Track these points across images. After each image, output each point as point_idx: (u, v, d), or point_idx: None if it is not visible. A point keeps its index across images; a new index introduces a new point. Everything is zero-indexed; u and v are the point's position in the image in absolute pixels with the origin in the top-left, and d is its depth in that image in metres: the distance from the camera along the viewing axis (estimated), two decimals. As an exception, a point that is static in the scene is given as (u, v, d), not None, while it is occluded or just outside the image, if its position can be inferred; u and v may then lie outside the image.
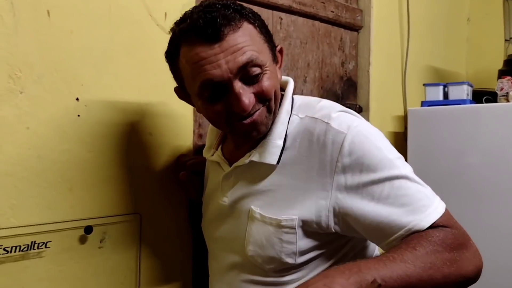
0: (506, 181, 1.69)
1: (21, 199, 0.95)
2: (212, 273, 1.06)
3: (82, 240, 1.03)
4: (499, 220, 1.69)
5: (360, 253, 0.96)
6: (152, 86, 1.15)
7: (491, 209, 1.71)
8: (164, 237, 1.20)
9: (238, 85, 0.82)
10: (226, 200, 0.98)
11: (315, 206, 0.85)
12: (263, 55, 0.85)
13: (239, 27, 0.82)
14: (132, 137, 1.12)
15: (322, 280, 0.69)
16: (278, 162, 0.89)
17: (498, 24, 2.42)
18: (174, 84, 1.18)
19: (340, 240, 0.91)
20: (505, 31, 2.25)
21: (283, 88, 0.97)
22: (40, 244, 0.97)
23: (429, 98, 1.98)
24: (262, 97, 0.86)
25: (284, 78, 0.99)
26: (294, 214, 0.86)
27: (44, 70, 0.97)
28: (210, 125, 1.06)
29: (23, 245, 0.95)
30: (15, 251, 0.93)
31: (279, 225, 0.87)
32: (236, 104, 0.82)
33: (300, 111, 0.93)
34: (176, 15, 1.18)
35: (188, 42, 0.83)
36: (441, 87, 1.96)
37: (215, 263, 1.04)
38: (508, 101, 1.81)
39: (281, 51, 0.94)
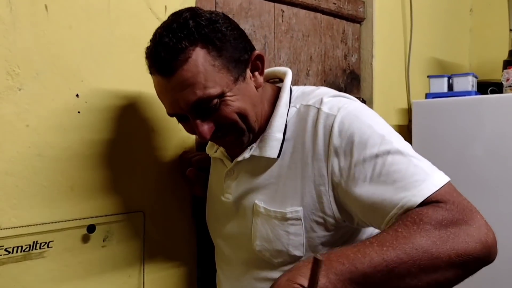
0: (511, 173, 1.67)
1: (22, 198, 0.93)
2: (221, 269, 1.05)
3: (85, 239, 1.02)
4: (504, 212, 1.67)
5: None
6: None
7: (496, 202, 1.69)
8: (168, 235, 1.18)
9: (193, 117, 0.83)
10: (230, 197, 0.97)
11: (316, 193, 0.84)
12: (218, 84, 0.81)
13: (188, 58, 0.78)
14: (133, 133, 1.10)
15: (286, 275, 0.65)
16: (279, 156, 0.89)
17: (502, 14, 2.38)
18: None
19: (347, 230, 0.89)
20: (509, 21, 2.21)
21: (282, 79, 0.96)
22: (42, 244, 0.95)
23: (434, 90, 1.96)
24: (223, 125, 0.85)
25: (282, 69, 0.98)
26: (297, 205, 0.86)
27: (43, 66, 0.95)
28: None
29: (25, 245, 0.93)
30: (16, 252, 0.92)
31: (284, 218, 0.87)
32: (196, 132, 0.85)
33: (298, 101, 0.92)
34: (176, 8, 1.16)
35: (150, 70, 0.85)
36: (445, 79, 1.94)
37: (223, 261, 1.03)
38: (514, 91, 1.79)
39: (259, 57, 0.89)
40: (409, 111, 2.05)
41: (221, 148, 1.01)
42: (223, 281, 1.03)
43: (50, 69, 0.96)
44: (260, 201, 0.90)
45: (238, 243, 0.96)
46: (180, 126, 1.18)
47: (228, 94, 0.82)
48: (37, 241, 0.94)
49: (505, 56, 2.09)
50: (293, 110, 0.91)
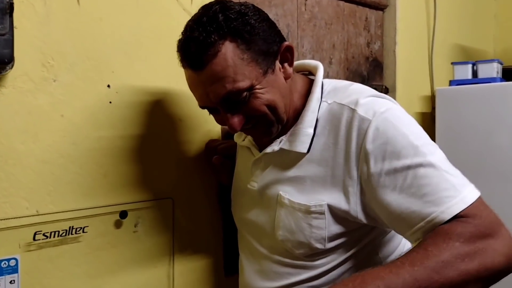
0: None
1: (58, 185, 0.97)
2: (244, 254, 1.07)
3: (118, 224, 1.05)
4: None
5: (387, 240, 0.96)
6: (181, 72, 1.13)
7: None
8: (196, 221, 1.21)
9: (224, 110, 0.85)
10: (256, 185, 0.99)
11: (344, 193, 0.85)
12: (247, 77, 0.82)
13: (217, 52, 0.80)
14: (162, 122, 1.13)
15: None
16: (308, 151, 0.89)
17: (528, -1, 2.34)
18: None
19: (368, 226, 0.90)
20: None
21: (313, 73, 0.97)
22: (78, 229, 0.99)
23: (458, 77, 1.94)
24: (253, 116, 0.86)
25: (313, 63, 0.98)
26: (323, 200, 0.87)
27: (76, 58, 0.98)
28: None
29: (62, 230, 0.97)
30: (54, 236, 0.96)
31: (308, 211, 0.88)
32: (227, 124, 0.87)
33: (329, 97, 0.91)
34: (201, 0, 1.18)
35: (182, 63, 0.87)
36: (470, 66, 1.92)
37: (246, 246, 1.06)
38: (540, 78, 1.76)
39: (288, 48, 0.89)
40: (432, 99, 2.04)
41: (249, 137, 1.02)
42: (245, 265, 1.05)
43: (82, 61, 0.99)
44: (285, 192, 0.92)
45: (261, 231, 0.98)
46: (207, 116, 1.21)
47: (257, 86, 0.84)
48: (73, 226, 0.98)
49: (531, 42, 2.06)
50: (324, 105, 0.91)
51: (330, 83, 0.95)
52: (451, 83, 1.94)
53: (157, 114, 1.12)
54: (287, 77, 0.90)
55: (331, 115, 0.89)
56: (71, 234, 0.98)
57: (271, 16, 1.43)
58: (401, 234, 0.83)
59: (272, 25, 0.88)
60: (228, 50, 0.80)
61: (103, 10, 1.02)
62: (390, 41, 1.87)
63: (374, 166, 0.80)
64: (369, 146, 0.81)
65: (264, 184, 0.97)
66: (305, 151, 0.89)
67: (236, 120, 0.86)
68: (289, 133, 0.93)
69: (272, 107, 0.87)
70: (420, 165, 0.77)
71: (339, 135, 0.86)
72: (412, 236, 0.78)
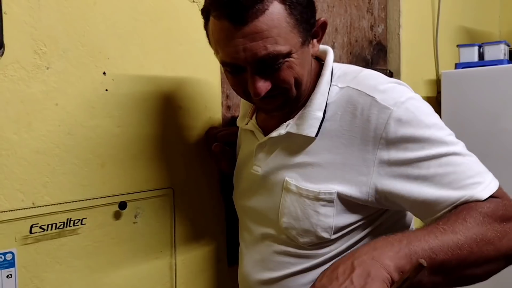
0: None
1: (54, 176, 0.94)
2: (244, 243, 1.04)
3: (117, 216, 1.03)
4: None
5: (396, 223, 0.93)
6: (178, 57, 1.12)
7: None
8: (197, 211, 1.18)
9: (253, 71, 0.80)
10: (259, 170, 0.95)
11: (355, 182, 0.82)
12: (288, 43, 0.79)
13: (265, 10, 0.75)
14: (161, 110, 1.09)
15: (370, 253, 0.66)
16: (317, 135, 0.86)
17: (534, -21, 2.29)
18: (200, 54, 1.15)
19: (376, 211, 0.88)
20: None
21: (321, 58, 0.94)
22: (76, 221, 0.96)
23: (464, 59, 1.90)
24: (279, 86, 0.83)
25: (322, 47, 0.94)
26: (333, 187, 0.83)
27: (69, 44, 0.95)
28: None
29: (59, 222, 0.94)
30: (51, 229, 0.93)
31: (316, 198, 0.85)
32: (250, 87, 0.82)
33: (340, 81, 0.88)
34: (200, -18, 1.14)
35: (215, 13, 0.79)
36: (476, 48, 1.88)
37: (247, 234, 1.03)
38: (548, 59, 1.72)
39: (323, 25, 0.87)
40: (437, 82, 2.00)
41: (253, 121, 0.99)
42: (245, 253, 1.02)
43: (76, 47, 0.95)
44: (291, 178, 0.88)
45: (263, 218, 0.95)
46: (207, 103, 1.18)
47: (294, 55, 0.80)
48: (70, 218, 0.95)
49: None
50: (335, 89, 0.88)
51: (340, 67, 0.92)
52: (457, 66, 1.90)
53: (156, 101, 1.08)
54: (314, 54, 0.88)
55: (344, 100, 0.85)
56: (69, 226, 0.95)
57: None
58: (421, 219, 0.82)
59: None
60: (276, 11, 0.76)
61: (97, -7, 0.98)
62: (394, 24, 1.83)
63: (396, 156, 0.79)
64: (391, 136, 0.79)
65: (268, 169, 0.94)
66: (313, 135, 0.86)
67: (262, 85, 0.81)
68: (297, 116, 0.89)
69: (298, 82, 0.84)
70: (443, 155, 0.77)
71: (354, 122, 0.83)
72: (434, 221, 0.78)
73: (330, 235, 0.86)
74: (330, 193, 0.84)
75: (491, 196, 0.75)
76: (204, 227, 1.20)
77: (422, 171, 0.77)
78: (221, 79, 1.21)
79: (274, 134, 0.91)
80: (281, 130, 0.90)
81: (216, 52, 0.84)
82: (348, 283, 0.64)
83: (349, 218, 0.85)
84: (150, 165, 1.08)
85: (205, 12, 0.83)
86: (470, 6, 2.25)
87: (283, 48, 0.78)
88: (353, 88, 0.85)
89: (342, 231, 0.86)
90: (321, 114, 0.86)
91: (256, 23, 0.75)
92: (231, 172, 1.12)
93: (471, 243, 0.69)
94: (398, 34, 1.82)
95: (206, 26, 0.85)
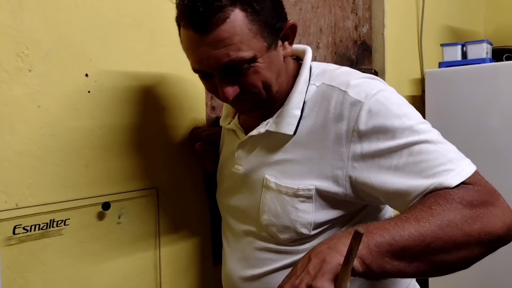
0: (529, 141, 1.64)
1: (37, 178, 0.95)
2: (227, 242, 1.06)
3: (100, 216, 1.04)
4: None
5: (377, 220, 0.94)
6: (162, 58, 1.13)
7: (513, 170, 1.67)
8: (182, 210, 1.20)
9: (220, 77, 0.83)
10: (241, 168, 0.97)
11: (332, 176, 0.84)
12: (251, 49, 0.80)
13: (226, 18, 0.77)
14: (144, 111, 1.10)
15: (326, 243, 0.67)
16: (295, 133, 0.88)
17: (518, -22, 2.32)
18: (184, 55, 1.16)
19: (355, 207, 0.89)
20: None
21: (300, 58, 0.95)
22: (59, 222, 0.97)
23: (447, 58, 1.92)
24: (247, 90, 0.85)
25: (301, 47, 0.97)
26: (311, 183, 0.85)
27: (52, 46, 0.95)
28: None
29: (42, 223, 0.95)
30: (34, 230, 0.94)
31: (295, 194, 0.87)
32: (219, 92, 0.84)
33: (317, 80, 0.90)
34: (182, -17, 1.15)
35: (182, 23, 0.83)
36: (459, 47, 1.90)
37: (229, 232, 1.04)
38: (530, 58, 1.75)
39: (292, 27, 0.88)
40: (422, 81, 2.03)
41: (235, 120, 1.01)
42: (228, 251, 1.04)
43: (58, 49, 0.96)
44: (270, 175, 0.90)
45: (245, 215, 0.97)
46: (191, 103, 1.19)
47: (259, 60, 0.82)
48: (54, 219, 0.96)
49: (521, 21, 2.04)
50: (312, 87, 0.90)
51: (318, 66, 0.94)
52: (441, 65, 1.93)
53: (139, 102, 1.09)
54: (286, 55, 0.89)
55: (319, 96, 0.87)
56: (52, 227, 0.96)
57: (255, 0, 1.41)
58: (396, 209, 0.83)
59: (280, 1, 0.86)
60: (238, 18, 0.78)
61: (79, -4, 0.99)
62: (379, 24, 1.85)
63: (368, 148, 0.80)
64: (362, 128, 0.80)
65: (249, 168, 0.96)
66: (291, 133, 0.88)
67: (230, 89, 0.83)
68: (276, 115, 0.91)
69: (267, 85, 0.85)
70: (414, 143, 0.77)
71: (328, 117, 0.85)
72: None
73: (310, 231, 0.87)
74: (309, 189, 0.85)
75: (462, 183, 0.74)
76: (189, 227, 1.22)
77: (393, 161, 0.78)
78: (205, 80, 1.23)
79: (254, 132, 0.93)
80: (261, 129, 0.92)
81: (188, 59, 0.87)
82: (304, 274, 0.64)
83: (328, 214, 0.87)
84: (134, 166, 1.09)
85: (177, 21, 0.86)
86: (455, 5, 2.27)
87: (246, 54, 0.80)
88: (327, 84, 0.87)
89: (321, 227, 0.88)
90: (298, 112, 0.88)
91: (218, 32, 0.78)
92: (215, 171, 1.13)
93: (436, 229, 0.68)
94: (383, 34, 1.84)
95: (179, 34, 0.88)
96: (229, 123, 1.03)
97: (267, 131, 0.91)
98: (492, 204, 0.73)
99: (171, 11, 1.14)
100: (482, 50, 1.85)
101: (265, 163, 0.92)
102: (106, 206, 1.03)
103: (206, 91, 1.24)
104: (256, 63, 0.82)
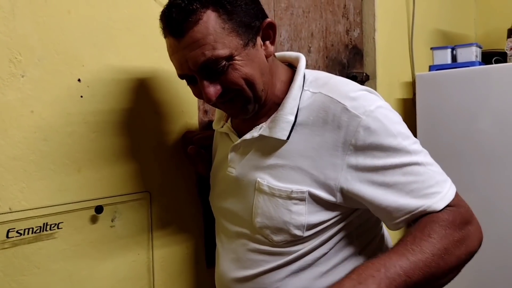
0: (518, 143, 1.66)
1: (30, 182, 0.96)
2: (220, 243, 1.07)
3: (94, 220, 1.05)
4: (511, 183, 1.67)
5: (368, 221, 0.96)
6: (155, 63, 1.14)
7: (504, 173, 1.69)
8: (175, 214, 1.21)
9: (201, 78, 0.85)
10: (233, 171, 0.98)
11: (324, 184, 0.86)
12: (227, 47, 0.83)
13: (198, 20, 0.80)
14: (137, 116, 1.12)
15: (356, 286, 0.72)
16: (288, 138, 0.89)
17: (508, -19, 2.35)
18: (176, 60, 1.18)
19: (347, 210, 0.91)
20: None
21: (293, 65, 0.97)
22: (52, 225, 0.98)
23: (437, 62, 1.94)
24: (229, 88, 0.86)
25: (294, 54, 0.99)
26: (304, 188, 0.87)
27: (44, 52, 0.97)
28: None
29: (36, 227, 0.96)
30: (28, 233, 0.95)
31: (288, 197, 0.88)
32: (203, 94, 0.87)
33: (312, 86, 0.92)
34: (174, -11, 1.16)
35: (164, 32, 0.87)
36: (449, 50, 1.92)
37: (223, 234, 1.05)
38: (518, 60, 1.77)
39: (270, 25, 0.90)
40: (413, 85, 2.05)
41: (228, 124, 1.02)
42: (221, 254, 1.05)
43: (51, 55, 0.98)
44: (262, 179, 0.91)
45: (238, 218, 0.98)
46: (183, 107, 1.21)
47: (236, 57, 0.84)
48: (47, 223, 0.97)
49: (509, 24, 2.06)
50: (307, 94, 0.91)
51: (311, 73, 0.96)
52: (431, 68, 1.95)
53: (131, 107, 1.11)
54: (268, 55, 0.91)
55: (316, 106, 0.89)
56: (46, 230, 0.97)
57: (247, 5, 1.42)
58: (383, 221, 0.89)
59: (255, 0, 0.89)
60: (210, 19, 0.81)
61: (71, 2, 1.00)
62: (370, 28, 1.87)
63: (363, 162, 0.83)
64: (359, 143, 0.83)
65: (242, 171, 0.97)
66: (285, 138, 0.89)
67: (212, 90, 0.86)
68: (269, 119, 0.92)
69: (250, 82, 0.87)
70: (407, 164, 0.82)
71: (325, 127, 0.86)
72: (394, 226, 0.86)
73: (303, 233, 0.89)
74: (302, 192, 0.87)
75: (447, 205, 0.82)
76: (182, 230, 1.23)
77: (386, 178, 0.83)
78: (197, 84, 1.24)
79: (248, 136, 0.94)
80: (254, 133, 0.93)
81: (174, 67, 0.90)
82: None
83: (321, 216, 0.89)
84: (127, 169, 1.10)
85: (163, 33, 0.88)
86: (445, 9, 2.30)
87: (221, 52, 0.82)
88: (325, 94, 0.88)
89: (314, 229, 0.90)
90: (292, 118, 0.89)
91: (192, 34, 0.81)
92: (207, 174, 1.15)
93: (438, 260, 0.76)
94: (374, 38, 1.86)
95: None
96: (222, 127, 1.04)
97: (261, 135, 0.92)
98: (470, 223, 0.83)
99: (163, 17, 1.16)
100: (471, 54, 1.87)
101: (257, 167, 0.94)
102: (99, 209, 1.04)
103: (198, 96, 1.26)
104: (234, 61, 0.84)
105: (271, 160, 0.92)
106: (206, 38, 0.81)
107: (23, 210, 0.94)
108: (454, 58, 1.93)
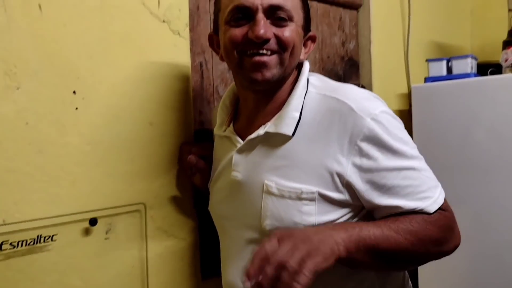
0: (514, 154, 1.67)
1: (24, 194, 0.96)
2: (226, 252, 1.06)
3: (88, 232, 1.04)
4: (507, 195, 1.67)
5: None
6: (150, 75, 1.15)
7: (499, 184, 1.69)
8: (170, 225, 1.20)
9: (262, 15, 0.89)
10: (239, 175, 0.98)
11: (332, 182, 0.88)
12: (296, 13, 0.92)
13: None
14: (131, 127, 1.12)
15: (328, 230, 0.81)
16: (293, 134, 0.91)
17: (503, -5, 2.37)
18: (172, 72, 1.18)
19: (355, 208, 0.92)
20: (508, 0, 2.19)
21: (299, 68, 1.01)
22: (46, 238, 0.98)
23: (433, 73, 1.95)
24: (279, 42, 0.90)
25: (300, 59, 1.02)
26: (313, 187, 0.89)
27: (40, 64, 0.97)
28: (220, 104, 1.09)
29: (30, 239, 0.96)
30: (21, 246, 0.95)
31: (299, 198, 0.89)
32: (254, 29, 0.88)
33: (316, 87, 0.95)
34: (170, 3, 1.18)
35: None
36: (444, 62, 1.93)
37: (229, 242, 1.04)
38: (513, 72, 1.78)
39: (312, 37, 1.00)
40: (409, 96, 2.05)
41: (230, 128, 1.03)
42: (229, 263, 1.04)
43: (46, 67, 0.98)
44: (271, 181, 0.92)
45: (245, 222, 0.98)
46: (179, 118, 1.21)
47: (298, 29, 0.93)
48: (41, 235, 0.97)
49: (505, 36, 2.08)
50: (311, 94, 0.94)
51: (314, 75, 1.00)
52: (426, 80, 1.96)
53: (126, 118, 1.11)
54: (300, 59, 0.98)
55: (323, 106, 0.91)
56: (39, 242, 0.97)
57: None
58: (375, 217, 0.93)
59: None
60: None
61: (67, 15, 1.01)
62: (365, 40, 1.88)
63: (367, 163, 0.87)
64: (363, 144, 0.86)
65: (248, 173, 0.97)
66: (290, 133, 0.91)
67: (268, 29, 0.89)
68: (275, 117, 0.95)
69: (294, 51, 0.93)
70: (406, 168, 0.88)
71: (331, 128, 0.88)
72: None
73: None
74: (312, 192, 0.89)
75: (439, 208, 0.89)
76: (177, 242, 1.22)
77: (387, 181, 0.87)
78: (193, 96, 1.25)
79: (253, 135, 0.95)
80: (260, 131, 0.94)
81: (227, 7, 0.92)
82: (294, 248, 0.75)
83: (331, 215, 0.90)
84: (121, 181, 1.10)
85: None
86: (440, 21, 2.32)
87: (294, 13, 0.91)
88: (332, 96, 0.91)
89: None
90: (297, 115, 0.92)
91: None
92: (204, 186, 1.15)
93: (408, 244, 0.84)
94: (369, 50, 1.87)
95: (217, 4, 0.98)
96: (224, 131, 1.04)
97: (266, 134, 0.93)
98: (452, 230, 0.91)
99: (159, 30, 1.17)
100: (466, 65, 1.88)
101: (264, 168, 0.94)
102: (93, 221, 1.04)
103: (195, 106, 1.26)
104: (295, 25, 0.92)
105: (277, 160, 0.93)
106: None
107: (17, 223, 0.94)
108: (449, 69, 1.94)
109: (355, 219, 0.93)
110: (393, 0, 2.02)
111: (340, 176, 0.87)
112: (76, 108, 1.02)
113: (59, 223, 1.00)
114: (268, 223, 0.92)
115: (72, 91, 1.02)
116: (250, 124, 0.99)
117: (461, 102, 1.77)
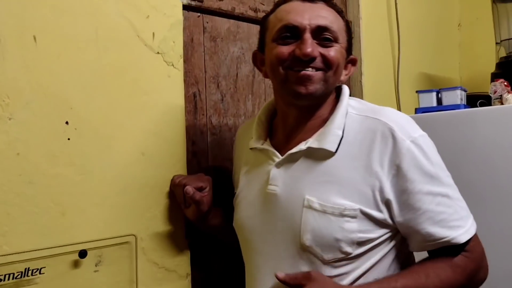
0: (505, 185, 1.67)
1: (13, 225, 0.94)
2: (256, 269, 1.03)
3: (77, 264, 1.02)
4: (499, 226, 1.67)
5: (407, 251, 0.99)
6: (143, 106, 1.15)
7: (489, 216, 1.69)
8: (161, 257, 1.18)
9: (309, 35, 0.93)
10: (277, 189, 0.98)
11: (373, 200, 0.91)
12: (340, 35, 0.96)
13: (330, 7, 0.97)
14: (124, 157, 1.11)
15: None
16: (336, 151, 0.93)
17: (489, 28, 2.42)
18: (166, 103, 1.19)
19: (393, 232, 0.94)
20: (495, 34, 2.25)
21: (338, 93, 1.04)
22: (34, 271, 0.96)
23: (423, 105, 1.98)
24: (325, 61, 0.94)
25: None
26: (355, 204, 0.90)
27: (33, 95, 0.97)
28: (256, 119, 1.11)
29: (17, 272, 0.94)
30: (8, 279, 0.93)
31: (341, 214, 0.90)
32: (301, 47, 0.92)
33: (356, 109, 0.98)
34: (164, 35, 1.19)
35: (286, 1, 0.98)
36: (434, 93, 1.96)
37: (258, 257, 1.03)
38: (502, 103, 1.81)
39: (352, 60, 1.04)
40: (400, 127, 2.07)
41: (267, 142, 1.05)
42: (259, 280, 1.01)
43: (39, 98, 0.98)
44: (312, 196, 0.93)
45: (281, 237, 0.97)
46: (171, 149, 1.20)
47: (339, 49, 0.96)
48: (29, 268, 0.95)
49: (493, 68, 2.12)
50: (351, 116, 0.97)
51: (354, 98, 1.04)
52: (417, 111, 1.98)
53: (119, 149, 1.10)
54: (341, 81, 1.01)
55: (364, 126, 0.94)
56: (27, 276, 0.95)
57: (236, 49, 1.45)
58: (409, 241, 0.95)
59: None
60: (339, 18, 0.98)
61: (61, 46, 1.02)
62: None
63: (405, 185, 0.90)
64: (403, 165, 0.89)
65: (287, 187, 0.97)
66: (334, 150, 0.93)
67: (314, 47, 0.92)
68: (317, 133, 0.97)
69: (337, 71, 0.96)
70: (440, 194, 0.91)
71: (373, 147, 0.91)
72: (418, 248, 0.95)
73: (353, 250, 0.91)
74: (354, 209, 0.90)
75: (466, 250, 0.92)
76: (168, 274, 1.20)
77: (422, 204, 0.90)
78: (186, 127, 1.25)
79: (294, 150, 0.96)
80: (302, 146, 0.96)
81: (275, 26, 0.97)
82: None
83: (370, 234, 0.91)
84: (112, 212, 1.09)
85: (272, 9, 1.01)
86: (430, 53, 2.36)
87: (339, 34, 0.96)
88: (373, 117, 0.95)
89: (364, 246, 0.92)
90: (340, 133, 0.94)
91: (323, 6, 0.96)
92: (195, 219, 1.14)
93: None
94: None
95: (264, 24, 1.03)
96: (262, 144, 1.05)
97: (309, 149, 0.95)
98: (480, 269, 0.95)
99: (153, 61, 1.18)
100: (456, 97, 1.91)
101: (304, 183, 0.95)
102: (82, 254, 1.02)
103: (188, 137, 1.26)
104: (339, 46, 0.96)
105: (319, 176, 0.94)
106: (333, 20, 0.95)
107: (4, 255, 0.92)
108: (439, 101, 1.96)
109: (392, 242, 0.95)
110: (383, 33, 2.07)
111: (380, 193, 0.90)
112: (68, 139, 1.02)
113: (47, 255, 0.98)
114: (308, 238, 0.92)
115: (65, 121, 1.02)
116: (289, 140, 1.01)
117: (452, 133, 1.79)
